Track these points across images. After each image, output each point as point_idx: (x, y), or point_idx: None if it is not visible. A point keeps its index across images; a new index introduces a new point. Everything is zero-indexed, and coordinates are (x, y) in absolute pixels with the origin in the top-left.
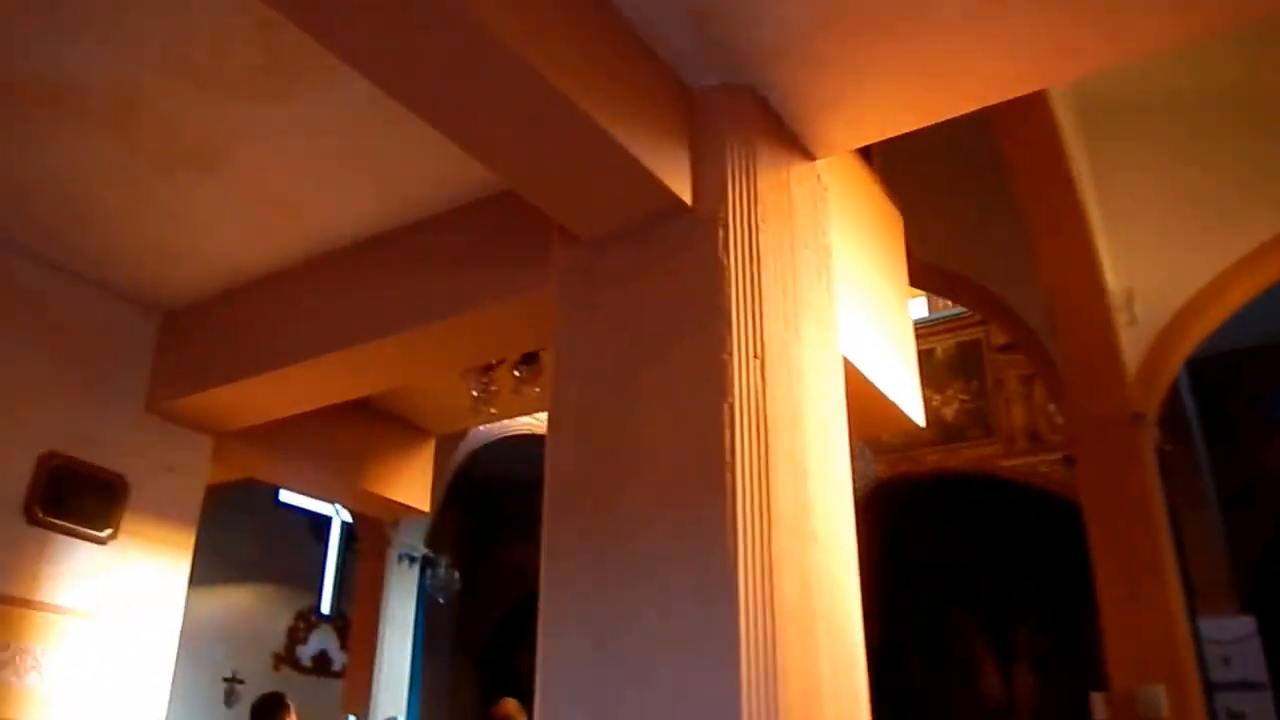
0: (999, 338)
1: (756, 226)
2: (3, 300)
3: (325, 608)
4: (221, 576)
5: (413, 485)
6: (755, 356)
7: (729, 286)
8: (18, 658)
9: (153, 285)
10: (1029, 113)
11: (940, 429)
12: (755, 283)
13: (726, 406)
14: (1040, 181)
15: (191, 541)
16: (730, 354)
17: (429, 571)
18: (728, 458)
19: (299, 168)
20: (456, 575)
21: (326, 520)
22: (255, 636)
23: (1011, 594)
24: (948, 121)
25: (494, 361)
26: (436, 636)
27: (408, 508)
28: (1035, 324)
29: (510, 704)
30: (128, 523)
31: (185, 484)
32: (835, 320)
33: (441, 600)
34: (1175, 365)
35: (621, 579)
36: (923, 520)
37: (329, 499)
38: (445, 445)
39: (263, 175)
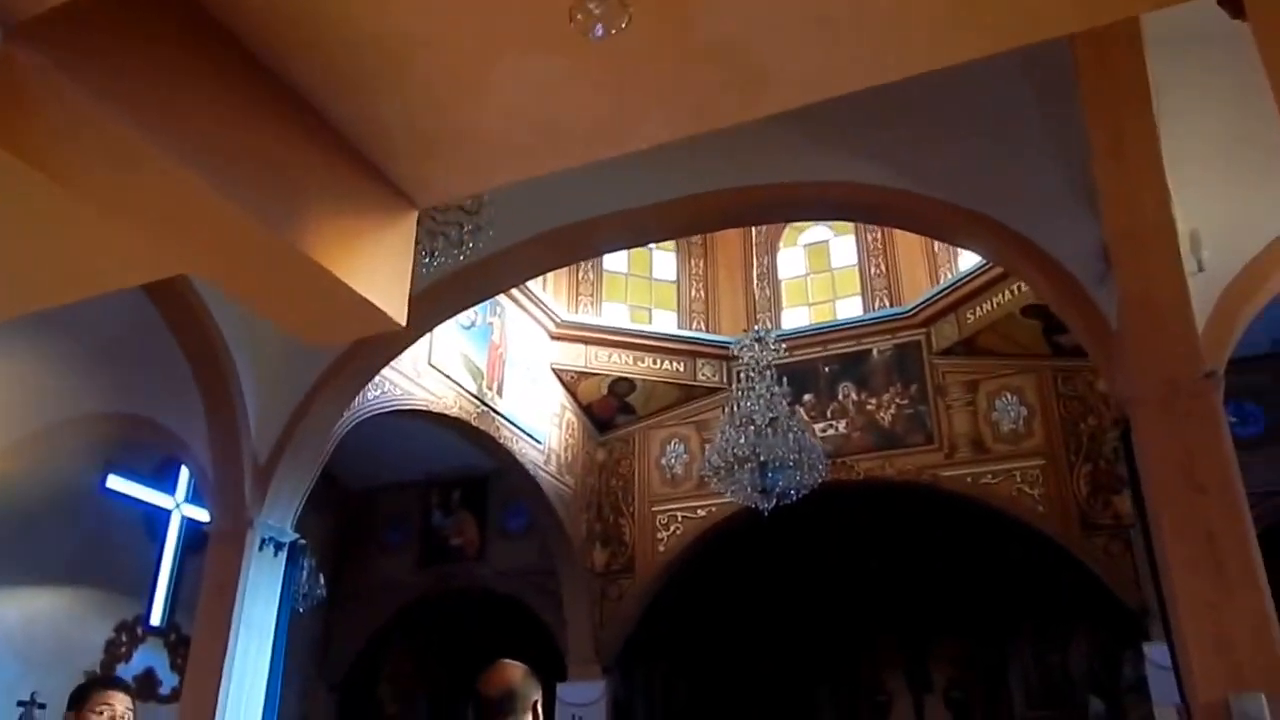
0: (942, 341)
1: None
2: None
3: (155, 619)
4: (22, 578)
5: (382, 278)
6: None
7: None
8: None
9: None
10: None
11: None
12: None
13: None
14: (1116, 100)
15: None
16: None
17: (292, 571)
18: None
19: None
20: (321, 580)
21: (164, 515)
22: (64, 651)
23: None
24: None
25: None
26: (290, 656)
27: (377, 312)
28: (1079, 270)
29: (513, 670)
30: None
31: None
32: None
33: (301, 610)
34: (1246, 318)
35: None
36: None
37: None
38: (312, 434)
39: None
